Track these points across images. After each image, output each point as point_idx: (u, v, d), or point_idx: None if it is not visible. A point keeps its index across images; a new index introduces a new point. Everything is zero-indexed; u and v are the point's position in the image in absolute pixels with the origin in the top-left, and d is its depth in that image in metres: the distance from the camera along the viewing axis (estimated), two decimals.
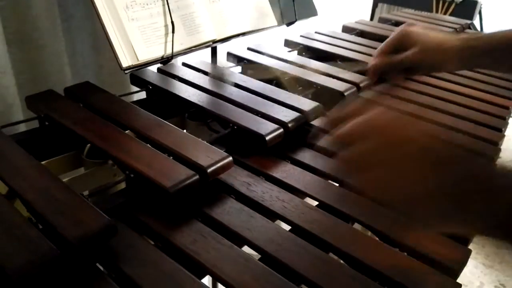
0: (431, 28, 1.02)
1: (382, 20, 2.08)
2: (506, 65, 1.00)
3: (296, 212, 0.78)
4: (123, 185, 0.81)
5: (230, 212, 0.76)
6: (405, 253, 0.71)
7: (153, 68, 1.16)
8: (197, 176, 0.75)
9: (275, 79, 1.22)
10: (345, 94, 1.15)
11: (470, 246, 0.75)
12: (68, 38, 1.25)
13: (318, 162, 0.93)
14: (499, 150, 1.06)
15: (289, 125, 0.95)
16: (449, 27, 1.96)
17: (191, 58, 1.27)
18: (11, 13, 1.09)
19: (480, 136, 1.10)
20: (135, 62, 0.99)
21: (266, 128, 0.92)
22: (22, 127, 1.04)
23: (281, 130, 0.94)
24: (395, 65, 1.02)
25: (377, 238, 0.75)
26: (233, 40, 1.24)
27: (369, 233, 0.78)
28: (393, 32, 1.04)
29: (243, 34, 1.26)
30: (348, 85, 1.19)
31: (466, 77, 1.45)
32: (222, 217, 0.75)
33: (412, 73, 1.07)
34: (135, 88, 1.19)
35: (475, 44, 0.96)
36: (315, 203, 0.82)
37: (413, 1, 3.34)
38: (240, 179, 0.85)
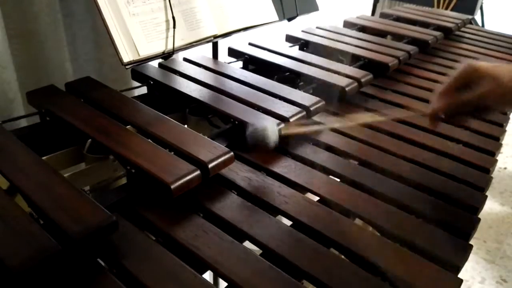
0: (498, 63, 0.89)
1: (383, 15, 2.08)
2: None
3: (297, 207, 0.78)
4: (124, 180, 0.81)
5: (231, 207, 0.76)
6: (406, 248, 0.71)
7: (154, 63, 1.16)
8: (198, 171, 0.75)
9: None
10: (346, 89, 1.15)
11: (472, 242, 0.75)
12: (69, 34, 1.25)
13: (319, 158, 0.93)
14: (500, 145, 1.06)
15: (291, 120, 0.95)
16: (450, 22, 1.95)
17: (192, 53, 1.27)
18: (12, 8, 1.09)
19: (481, 131, 1.10)
20: (136, 57, 0.99)
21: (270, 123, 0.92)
22: (23, 122, 1.04)
23: (282, 125, 0.94)
24: (463, 105, 0.85)
25: (378, 233, 0.75)
26: (234, 35, 1.24)
27: (370, 228, 0.78)
28: (456, 70, 0.87)
29: (244, 29, 1.26)
30: (350, 80, 1.19)
31: None
32: (223, 212, 0.75)
33: (484, 112, 0.90)
34: (136, 83, 1.19)
35: None
36: (316, 198, 0.82)
37: None
38: (241, 174, 0.85)
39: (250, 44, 1.43)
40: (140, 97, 1.13)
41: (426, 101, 1.23)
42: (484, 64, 0.84)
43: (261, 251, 0.69)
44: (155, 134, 0.85)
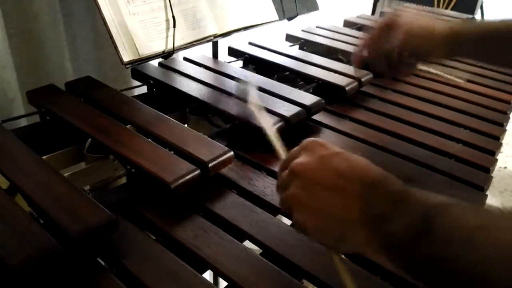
0: (419, 16, 0.97)
1: (383, 15, 2.08)
2: (493, 53, 0.97)
3: None
4: (124, 180, 0.81)
5: (231, 206, 0.76)
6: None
7: (154, 62, 1.16)
8: (198, 171, 0.75)
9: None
10: (346, 88, 1.15)
11: None
12: (69, 33, 1.25)
13: None
14: (501, 144, 1.06)
15: (290, 119, 0.95)
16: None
17: (192, 53, 1.27)
18: (12, 8, 1.08)
19: (482, 130, 1.10)
20: (136, 57, 0.99)
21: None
22: (23, 122, 1.04)
23: (282, 124, 0.94)
24: (379, 50, 0.97)
25: None
26: (234, 35, 1.24)
27: None
28: (379, 20, 1.00)
29: (244, 28, 1.26)
30: (350, 80, 1.18)
31: (467, 71, 1.45)
32: (223, 212, 0.75)
33: (397, 62, 0.98)
34: (136, 83, 1.19)
35: (461, 31, 0.92)
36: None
37: None
38: (242, 173, 0.85)
39: (250, 43, 1.43)
40: (140, 97, 1.13)
41: (427, 100, 1.24)
42: (404, 16, 0.94)
43: (261, 251, 0.69)
44: (155, 134, 0.85)
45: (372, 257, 0.65)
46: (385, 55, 0.96)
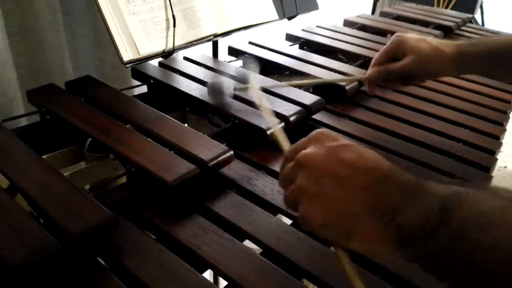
0: (425, 36, 1.01)
1: (383, 14, 2.08)
2: (501, 71, 1.00)
3: None
4: (124, 179, 0.81)
5: (231, 206, 0.76)
6: None
7: (154, 62, 1.16)
8: (198, 170, 0.75)
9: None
10: (347, 88, 1.15)
11: None
12: (69, 32, 1.25)
13: None
14: (501, 144, 1.06)
15: (290, 119, 0.95)
16: (450, 21, 1.95)
17: (192, 52, 1.26)
18: (12, 7, 1.08)
19: (482, 130, 1.10)
20: (136, 56, 0.99)
21: (267, 122, 0.92)
22: (23, 121, 1.04)
23: (282, 124, 0.94)
24: (391, 74, 1.01)
25: None
26: (234, 34, 1.24)
27: None
28: (388, 41, 1.03)
29: (244, 28, 1.26)
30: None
31: None
32: (223, 211, 0.75)
33: (409, 81, 1.05)
34: (136, 82, 1.19)
35: (470, 50, 0.96)
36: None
37: None
38: (241, 173, 0.85)
39: (250, 43, 1.43)
40: (140, 96, 1.13)
41: (426, 100, 1.24)
42: (410, 37, 0.99)
43: (261, 250, 0.69)
44: (155, 133, 0.85)
45: (379, 255, 0.64)
46: (396, 75, 1.01)
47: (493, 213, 0.44)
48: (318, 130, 0.59)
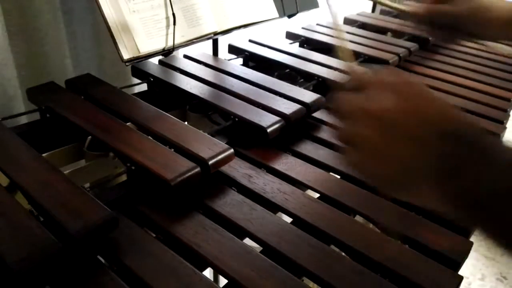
0: None
1: (384, 12, 2.08)
2: None
3: (297, 204, 0.78)
4: (124, 177, 0.81)
5: (231, 204, 0.76)
6: (407, 246, 0.71)
7: (155, 60, 1.16)
8: (198, 168, 0.75)
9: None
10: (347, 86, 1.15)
11: (472, 239, 0.75)
12: (69, 31, 1.25)
13: (319, 154, 0.93)
14: None
15: (291, 117, 0.95)
16: None
17: (193, 50, 1.26)
18: (12, 5, 1.08)
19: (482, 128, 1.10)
20: (136, 54, 0.99)
21: (267, 120, 0.92)
22: (23, 119, 1.04)
23: (283, 122, 0.94)
24: (442, 14, 0.87)
25: (378, 230, 0.75)
26: (234, 32, 1.24)
27: (371, 225, 0.78)
28: None
29: (245, 26, 1.26)
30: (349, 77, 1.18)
31: (467, 69, 1.45)
32: (223, 209, 0.75)
33: (454, 33, 0.90)
34: (137, 80, 1.19)
35: None
36: (317, 195, 0.82)
37: None
38: (242, 171, 0.85)
39: (250, 41, 1.43)
40: (140, 94, 1.13)
41: None
42: None
43: (261, 248, 0.69)
44: (155, 131, 0.85)
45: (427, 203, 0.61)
46: (444, 16, 0.88)
47: None
48: (389, 71, 0.55)
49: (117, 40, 0.96)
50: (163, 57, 1.16)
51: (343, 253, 0.70)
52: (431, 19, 0.89)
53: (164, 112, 0.92)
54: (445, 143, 0.46)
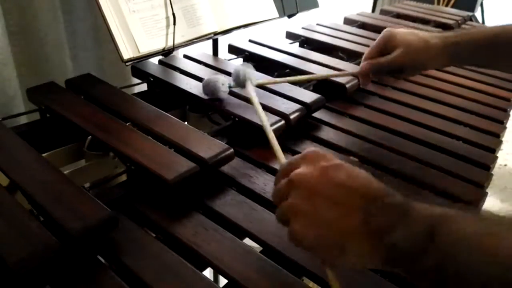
0: (414, 30, 1.03)
1: (383, 12, 2.08)
2: (492, 61, 1.02)
3: None
4: (124, 177, 0.81)
5: (231, 204, 0.76)
6: None
7: (154, 60, 1.16)
8: (198, 168, 0.75)
9: None
10: (347, 86, 1.15)
11: None
12: (69, 30, 1.25)
13: None
14: (501, 142, 1.06)
15: (291, 117, 0.95)
16: (451, 19, 1.95)
17: (193, 50, 1.26)
18: (12, 5, 1.08)
19: (482, 128, 1.10)
20: (136, 54, 0.99)
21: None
22: (23, 119, 1.04)
23: (283, 122, 0.94)
24: (381, 67, 1.02)
25: None
26: (234, 32, 1.24)
27: None
28: (378, 36, 1.06)
29: (245, 26, 1.26)
30: (350, 77, 1.18)
31: (467, 69, 1.45)
32: (223, 209, 0.75)
33: (399, 74, 1.05)
34: (136, 80, 1.19)
35: (457, 40, 0.97)
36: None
37: None
38: (242, 171, 0.85)
39: (250, 41, 1.43)
40: (140, 94, 1.13)
41: (427, 98, 1.23)
42: (400, 30, 1.01)
43: (261, 248, 0.69)
44: (155, 131, 0.85)
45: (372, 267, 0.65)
46: (386, 68, 1.02)
47: (478, 236, 0.45)
48: (311, 149, 0.60)
49: (117, 40, 0.96)
50: (163, 57, 1.16)
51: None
52: (375, 72, 1.05)
53: (164, 112, 0.92)
54: (368, 205, 0.51)
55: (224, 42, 1.39)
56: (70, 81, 1.03)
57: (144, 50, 1.00)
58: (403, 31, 1.01)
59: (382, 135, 1.03)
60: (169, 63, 1.19)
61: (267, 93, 1.05)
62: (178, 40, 1.07)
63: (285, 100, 1.02)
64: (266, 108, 0.97)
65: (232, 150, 0.81)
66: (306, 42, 1.56)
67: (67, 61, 1.23)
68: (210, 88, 0.99)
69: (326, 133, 1.02)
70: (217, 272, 0.64)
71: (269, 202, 0.78)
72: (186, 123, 0.90)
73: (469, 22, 2.11)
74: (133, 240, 0.66)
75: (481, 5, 3.90)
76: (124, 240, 0.66)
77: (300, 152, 0.92)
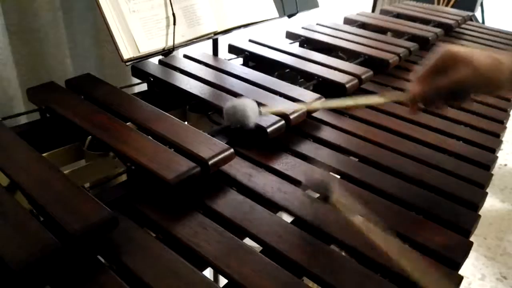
0: (474, 48, 0.90)
1: (383, 12, 2.08)
2: None
3: (297, 204, 0.78)
4: (124, 177, 0.81)
5: (231, 204, 0.76)
6: (407, 245, 0.71)
7: (155, 60, 1.16)
8: (198, 168, 0.75)
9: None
10: (347, 86, 1.15)
11: (472, 238, 0.75)
12: (70, 30, 1.25)
13: (319, 154, 0.93)
14: (501, 142, 1.06)
15: (291, 117, 0.95)
16: (451, 19, 1.95)
17: (193, 50, 1.26)
18: (12, 5, 1.08)
19: (482, 128, 1.10)
20: (136, 54, 0.99)
21: (267, 120, 0.92)
22: (23, 119, 1.04)
23: (283, 122, 0.94)
24: (441, 90, 0.83)
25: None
26: (234, 32, 1.24)
27: (371, 225, 0.78)
28: (433, 55, 0.86)
29: (245, 26, 1.26)
30: (350, 77, 1.18)
31: None
32: (223, 209, 0.75)
33: (461, 98, 0.87)
34: (137, 80, 1.19)
35: None
36: (317, 195, 0.82)
37: None
38: (242, 171, 0.85)
39: (250, 41, 1.43)
40: (140, 94, 1.13)
41: None
42: (461, 49, 0.82)
43: (261, 248, 0.69)
44: (155, 131, 0.85)
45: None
46: (446, 91, 0.83)
47: None
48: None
49: (117, 40, 0.96)
50: (163, 57, 1.16)
51: (343, 253, 0.70)
52: (432, 97, 0.85)
53: (164, 112, 0.92)
54: None
55: (224, 42, 1.39)
56: (70, 81, 1.03)
57: (144, 50, 1.00)
58: (466, 49, 0.84)
59: (382, 135, 1.03)
60: (169, 63, 1.19)
61: (267, 93, 1.05)
62: (178, 40, 1.07)
63: (285, 100, 1.02)
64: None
65: (232, 150, 0.81)
66: (306, 42, 1.56)
67: (67, 61, 1.23)
68: (237, 118, 0.87)
69: (326, 133, 1.02)
70: (217, 271, 0.64)
71: (269, 201, 0.78)
72: (186, 123, 0.89)
73: (469, 22, 2.11)
74: (133, 240, 0.66)
75: (481, 5, 3.90)
76: (124, 240, 0.66)
77: (299, 153, 0.92)
